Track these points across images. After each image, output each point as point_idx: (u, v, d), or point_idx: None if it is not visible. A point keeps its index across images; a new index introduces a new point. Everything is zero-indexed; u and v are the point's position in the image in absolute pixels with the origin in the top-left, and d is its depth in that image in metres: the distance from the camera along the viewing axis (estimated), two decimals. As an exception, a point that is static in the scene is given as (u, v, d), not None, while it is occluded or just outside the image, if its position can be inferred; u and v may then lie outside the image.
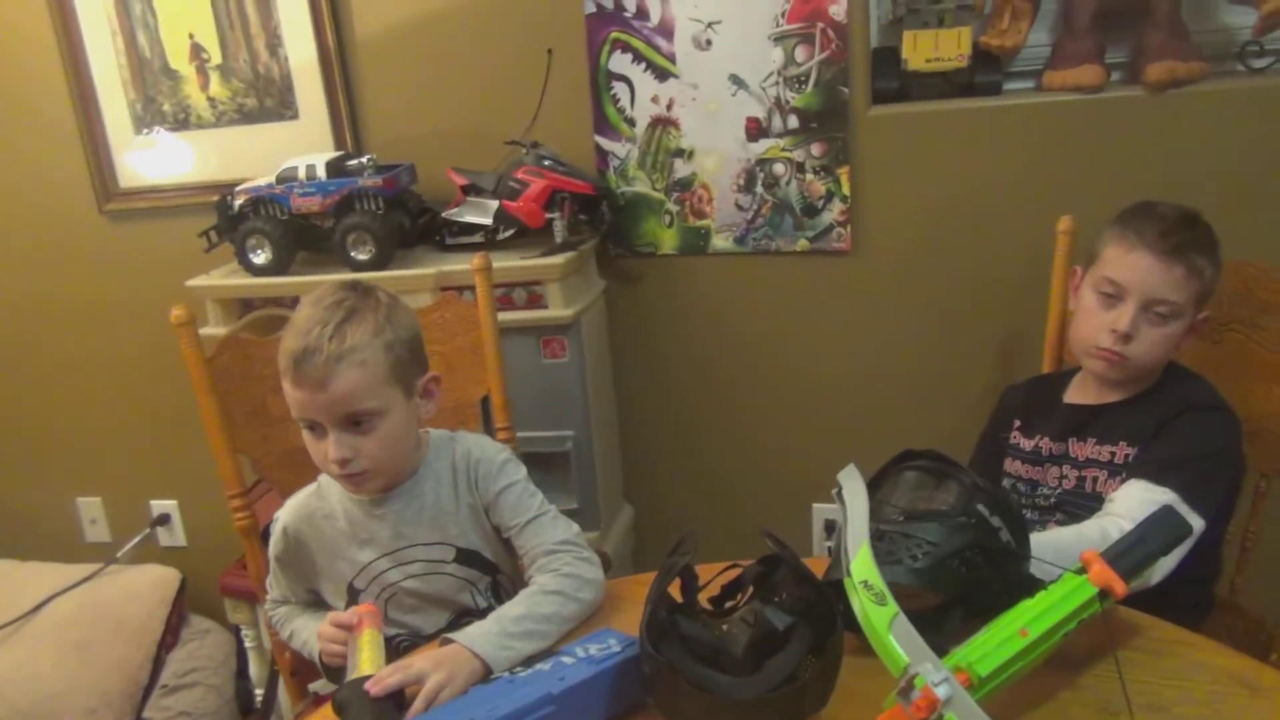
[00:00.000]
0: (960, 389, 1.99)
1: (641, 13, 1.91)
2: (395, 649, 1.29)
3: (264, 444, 1.57)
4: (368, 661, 1.08)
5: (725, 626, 1.03)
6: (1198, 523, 1.25)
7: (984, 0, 1.83)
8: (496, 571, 1.32)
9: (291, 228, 1.96)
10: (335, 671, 1.27)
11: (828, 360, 2.04)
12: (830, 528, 2.13)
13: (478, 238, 1.99)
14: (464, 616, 1.30)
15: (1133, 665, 1.01)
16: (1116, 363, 1.37)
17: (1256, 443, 1.40)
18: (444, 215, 1.99)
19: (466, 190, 1.98)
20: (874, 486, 1.14)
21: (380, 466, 1.23)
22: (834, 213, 1.93)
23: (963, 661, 0.87)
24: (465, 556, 1.29)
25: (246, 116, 2.17)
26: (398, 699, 1.00)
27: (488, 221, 1.95)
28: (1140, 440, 1.36)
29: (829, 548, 2.13)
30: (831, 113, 1.88)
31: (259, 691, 2.07)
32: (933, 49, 1.82)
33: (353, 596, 1.31)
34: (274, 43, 2.10)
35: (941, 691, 0.81)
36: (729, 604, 1.08)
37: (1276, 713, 0.95)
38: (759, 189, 1.96)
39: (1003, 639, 0.90)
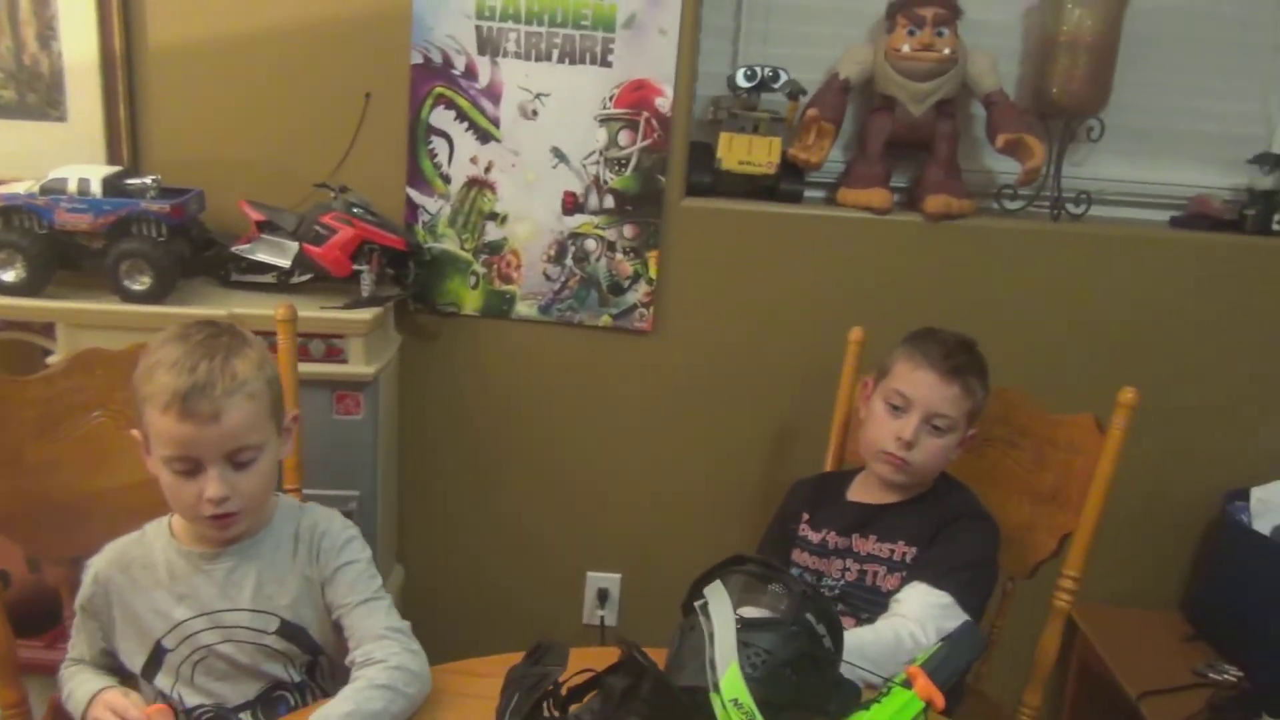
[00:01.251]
0: (746, 476, 2.11)
1: (470, 73, 1.89)
2: None
3: (18, 498, 1.39)
4: None
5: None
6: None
7: (794, 116, 1.97)
8: (319, 653, 1.25)
9: (52, 244, 1.74)
10: None
11: (619, 436, 2.09)
12: (603, 597, 2.17)
13: (268, 278, 1.87)
14: (276, 690, 1.24)
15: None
16: (900, 467, 1.52)
17: (1007, 548, 1.58)
18: (234, 250, 1.86)
19: (262, 227, 1.86)
20: (700, 585, 1.19)
21: (252, 506, 1.19)
22: (639, 293, 1.99)
23: (815, 776, 0.93)
24: (289, 631, 1.22)
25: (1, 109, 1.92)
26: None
27: (285, 264, 1.84)
28: (917, 541, 1.51)
29: (601, 616, 2.17)
30: (647, 198, 1.95)
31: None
32: (746, 152, 1.94)
33: (157, 658, 1.21)
34: (47, 34, 1.87)
35: (807, 812, 0.86)
36: (572, 706, 1.08)
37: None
38: (569, 262, 1.98)
39: (849, 753, 0.97)
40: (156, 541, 1.24)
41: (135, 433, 1.20)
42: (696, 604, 1.04)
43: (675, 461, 2.11)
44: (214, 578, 1.21)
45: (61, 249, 1.75)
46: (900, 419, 1.52)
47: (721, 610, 1.00)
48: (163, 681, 1.23)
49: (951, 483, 1.59)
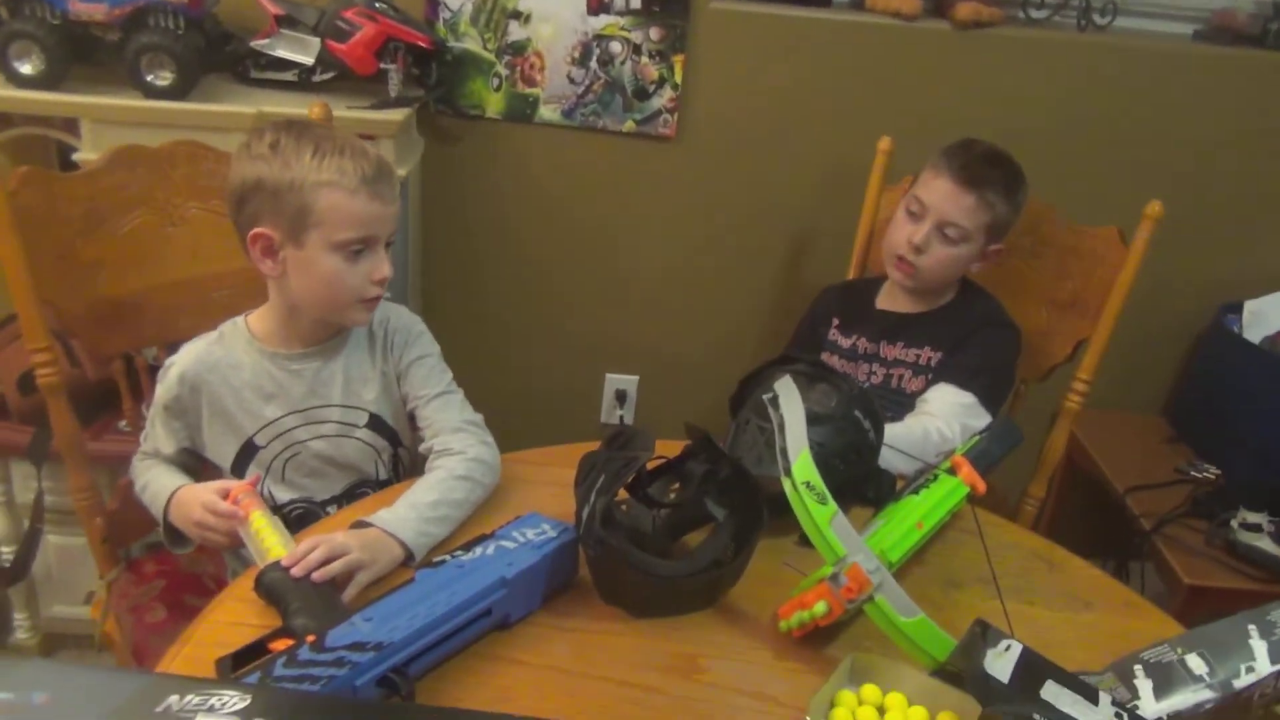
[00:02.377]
0: (765, 283, 2.15)
1: None
2: (286, 519, 1.27)
3: (72, 294, 1.40)
4: (276, 545, 1.05)
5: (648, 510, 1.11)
6: (987, 422, 1.50)
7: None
8: (399, 444, 1.31)
9: (66, 36, 1.68)
10: (174, 535, 1.24)
11: (640, 241, 2.12)
12: (621, 397, 2.25)
13: (289, 75, 1.83)
14: (361, 486, 1.30)
15: (959, 544, 1.21)
16: (909, 272, 1.58)
17: (1023, 353, 1.66)
18: (253, 45, 1.80)
19: (281, 21, 1.80)
20: (751, 385, 1.26)
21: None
22: (664, 98, 1.98)
23: (876, 550, 1.02)
24: (376, 423, 1.28)
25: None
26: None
27: (307, 60, 1.79)
28: (943, 347, 1.58)
29: (620, 415, 2.26)
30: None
31: (7, 549, 1.88)
32: (776, -47, 1.89)
33: (248, 454, 1.26)
34: None
35: (875, 578, 0.95)
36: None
37: (1068, 582, 1.19)
38: (593, 65, 1.95)
39: (904, 531, 1.06)
40: (237, 343, 1.26)
41: (262, 230, 1.17)
42: (765, 397, 1.10)
43: (695, 267, 2.15)
44: (303, 377, 1.25)
45: (77, 41, 1.70)
46: (914, 224, 1.56)
47: (792, 401, 1.06)
48: (252, 477, 1.27)
49: (977, 291, 1.65)
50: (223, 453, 1.28)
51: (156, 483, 1.26)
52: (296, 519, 1.29)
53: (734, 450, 1.18)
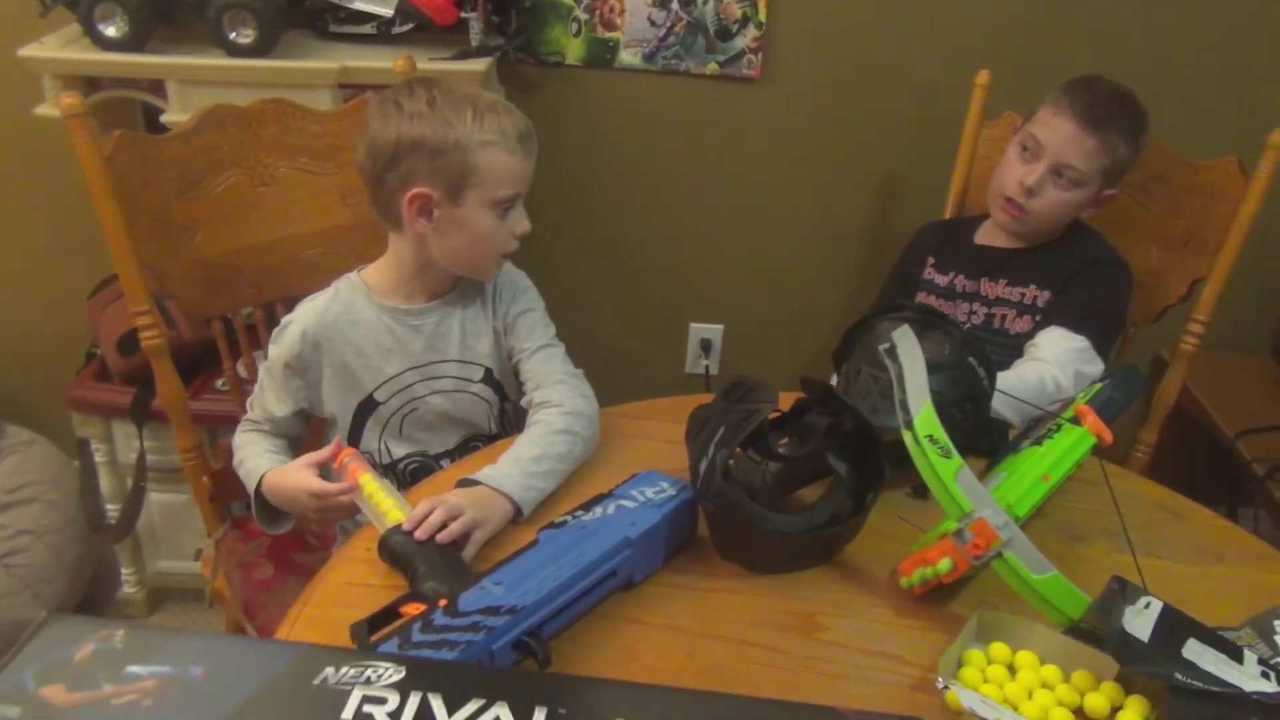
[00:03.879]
0: (853, 229, 2.10)
1: None
2: (402, 474, 1.29)
3: (170, 256, 1.41)
4: (393, 508, 1.05)
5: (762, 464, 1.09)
6: (1100, 368, 1.45)
7: None
8: (506, 398, 1.31)
9: (150, -4, 1.68)
10: (266, 511, 1.24)
11: (724, 187, 2.07)
12: (706, 347, 2.23)
13: (368, 29, 1.81)
14: (473, 440, 1.30)
15: (1082, 496, 1.17)
16: (1017, 216, 1.51)
17: (1133, 294, 1.59)
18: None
19: (358, -27, 1.78)
20: (857, 336, 1.22)
21: None
22: (747, 38, 1.92)
23: (1002, 504, 0.99)
24: (492, 379, 1.28)
25: None
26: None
27: (386, 12, 1.77)
28: (1050, 285, 1.52)
29: (705, 365, 2.23)
30: (759, -68, 1.83)
31: (112, 507, 1.94)
32: (866, -122, 1.80)
33: (367, 410, 1.26)
34: None
35: (1004, 534, 0.91)
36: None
37: (1195, 534, 1.15)
38: (674, 6, 1.89)
39: (1031, 483, 1.02)
40: (355, 298, 1.25)
41: (420, 190, 1.16)
42: (882, 348, 1.06)
43: (781, 212, 2.09)
44: (421, 332, 1.25)
45: (160, 2, 1.69)
46: (1028, 164, 1.50)
47: (911, 351, 1.02)
48: (369, 438, 1.28)
49: (1084, 228, 1.58)
50: (343, 409, 1.28)
51: (249, 462, 1.26)
52: (412, 473, 1.30)
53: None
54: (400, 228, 1.21)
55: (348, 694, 0.51)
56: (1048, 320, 1.48)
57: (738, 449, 1.10)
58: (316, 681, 0.51)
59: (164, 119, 1.69)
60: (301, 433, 1.32)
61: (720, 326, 2.21)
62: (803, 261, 2.13)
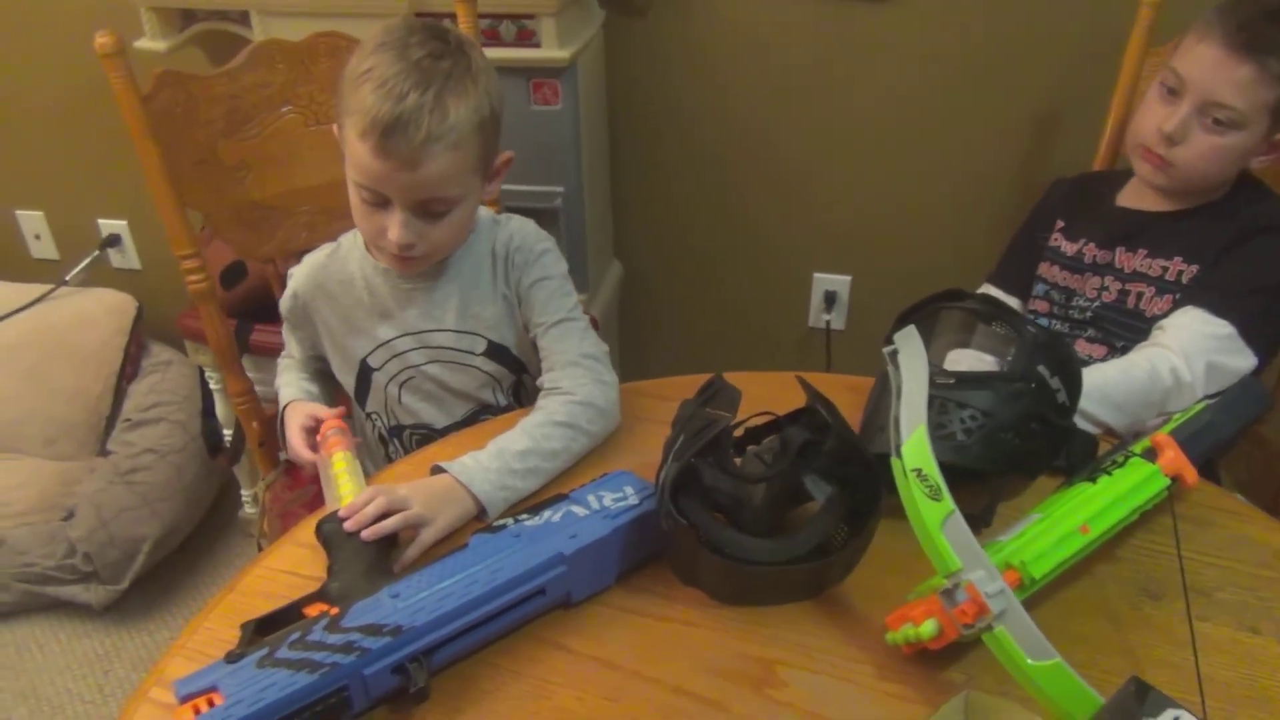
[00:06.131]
0: (998, 172, 1.82)
1: None
2: (406, 444, 1.23)
3: (217, 198, 1.39)
4: (350, 491, 0.98)
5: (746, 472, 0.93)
6: (1250, 361, 1.16)
7: None
8: (523, 371, 1.21)
9: (236, -74, 1.65)
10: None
11: (851, 121, 1.84)
12: (830, 300, 2.02)
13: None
14: (482, 413, 1.21)
15: (1173, 536, 0.93)
16: (1159, 167, 1.23)
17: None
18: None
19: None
20: (906, 320, 1.02)
21: (438, 254, 1.12)
22: (877, -50, 1.66)
23: (1014, 559, 0.79)
24: (495, 351, 1.18)
25: None
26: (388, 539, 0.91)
27: (474, -67, 1.65)
28: (1199, 258, 1.23)
29: (827, 321, 2.04)
30: None
31: (228, 432, 2.01)
32: None
33: (365, 374, 1.21)
34: None
35: (995, 605, 0.73)
36: (749, 448, 0.97)
37: (1322, 605, 0.89)
38: (793, -87, 1.67)
39: (1060, 535, 0.81)
40: (352, 256, 1.18)
41: (335, 129, 1.10)
42: (885, 350, 0.87)
43: (914, 153, 1.85)
44: (414, 298, 1.16)
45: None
46: (1169, 106, 1.21)
47: (914, 360, 0.83)
48: (373, 402, 1.23)
49: (1258, 189, 1.27)
50: (343, 372, 1.23)
51: (283, 391, 1.25)
52: (418, 443, 1.23)
53: (874, 416, 0.97)
54: None
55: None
56: (1187, 299, 1.20)
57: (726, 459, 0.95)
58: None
59: (248, 51, 1.66)
60: (329, 372, 1.28)
61: (848, 278, 2.00)
62: (940, 208, 1.88)
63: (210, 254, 1.90)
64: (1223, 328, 1.16)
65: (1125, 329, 1.27)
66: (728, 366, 1.10)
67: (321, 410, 1.15)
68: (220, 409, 2.00)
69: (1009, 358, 0.95)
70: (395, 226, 1.04)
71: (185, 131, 1.33)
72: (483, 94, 1.03)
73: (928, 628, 0.76)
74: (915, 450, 0.77)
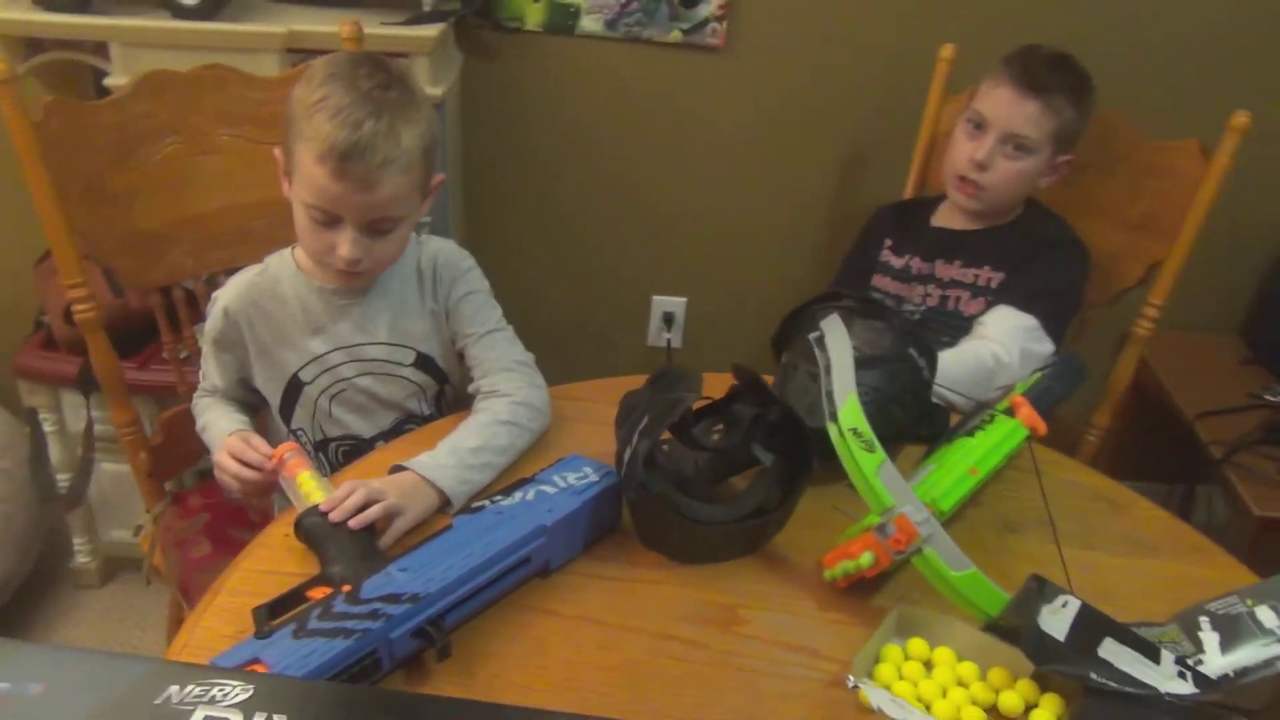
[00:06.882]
0: (819, 202, 2.06)
1: None
2: (333, 457, 1.27)
3: (105, 225, 1.38)
4: (316, 490, 1.03)
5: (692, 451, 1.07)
6: (1050, 348, 1.43)
7: None
8: (445, 381, 1.28)
9: (92, -45, 1.64)
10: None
11: (687, 158, 2.04)
12: (668, 320, 2.20)
13: (320, -10, 1.76)
14: (407, 422, 1.28)
15: (1017, 485, 1.16)
16: (973, 194, 1.49)
17: (1092, 276, 1.57)
18: (282, -41, 1.74)
19: (310, -67, 1.73)
20: (795, 323, 1.19)
21: (381, 267, 1.18)
22: (712, 5, 1.87)
23: (927, 498, 0.97)
24: (423, 362, 1.25)
25: None
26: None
27: (339, -26, 1.72)
28: (1004, 266, 1.50)
29: (667, 339, 2.21)
30: (723, -103, 1.79)
31: (63, 477, 1.92)
32: None
33: (295, 391, 1.24)
34: None
35: (924, 530, 0.90)
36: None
37: (1131, 526, 1.13)
38: (637, -30, 1.85)
39: (957, 477, 1.01)
40: (283, 274, 1.23)
41: (276, 152, 1.15)
42: (811, 337, 1.04)
43: (745, 184, 2.06)
44: (348, 313, 1.21)
45: (102, -40, 1.65)
46: (975, 140, 1.48)
47: (839, 341, 1.00)
48: (300, 417, 1.26)
49: (1042, 210, 1.56)
50: (270, 388, 1.26)
51: (214, 426, 1.25)
52: (344, 454, 1.28)
53: (783, 397, 1.13)
54: None
55: (190, 714, 0.49)
56: (998, 299, 1.47)
57: (671, 435, 1.08)
58: (159, 700, 0.50)
59: (107, 82, 1.65)
60: (254, 399, 1.30)
61: (684, 299, 2.19)
62: (768, 234, 2.10)
63: (51, 290, 1.85)
64: (1029, 320, 1.42)
65: (948, 328, 1.51)
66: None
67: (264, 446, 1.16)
68: (56, 453, 1.91)
69: (887, 343, 1.14)
70: (346, 244, 1.11)
71: (74, 159, 1.33)
72: (426, 121, 1.13)
73: (866, 558, 0.93)
74: (850, 413, 0.94)
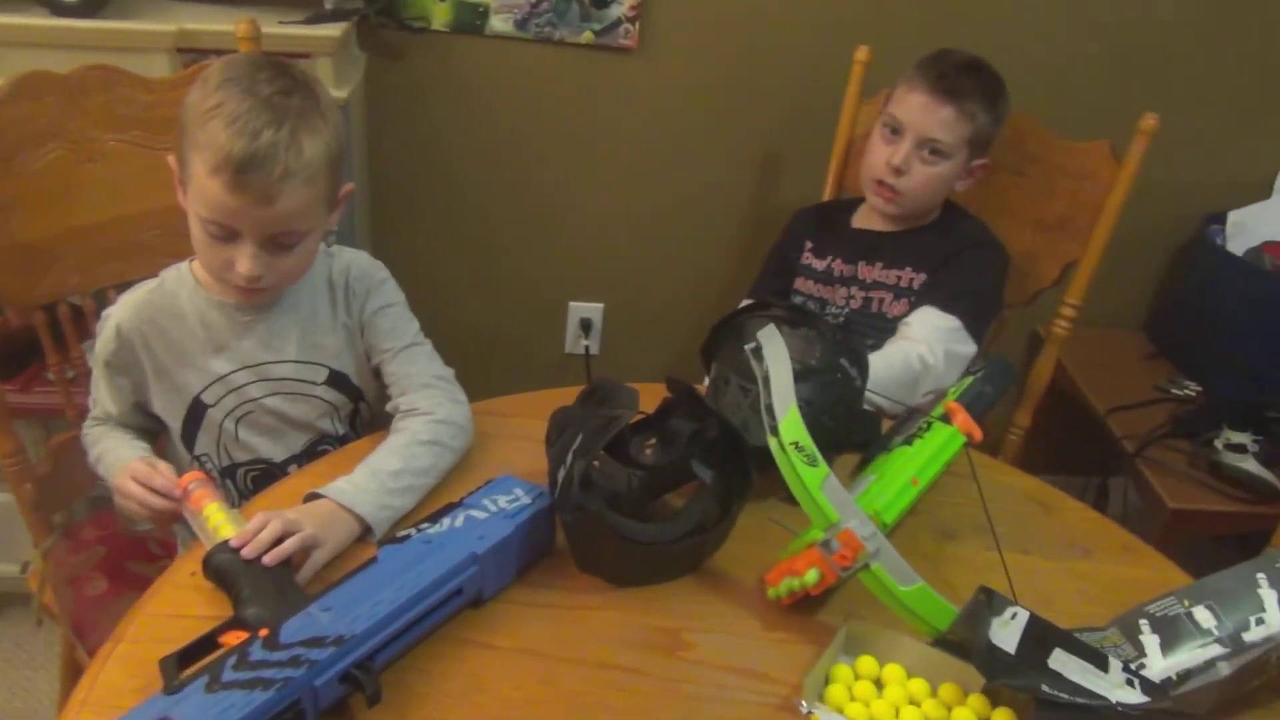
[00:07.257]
0: (735, 205, 2.05)
1: None
2: (242, 482, 1.19)
3: (-20, 239, 1.27)
4: (225, 523, 0.96)
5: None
6: (973, 349, 1.44)
7: None
8: (360, 399, 1.21)
9: (-42, -54, 1.52)
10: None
11: (600, 161, 2.00)
12: (586, 326, 2.16)
13: (213, -14, 1.67)
14: (321, 443, 1.20)
15: (953, 490, 1.15)
16: (890, 199, 1.49)
17: (1009, 277, 1.58)
18: (170, -46, 1.64)
19: (199, -74, 1.63)
20: (724, 333, 1.16)
21: (286, 283, 1.11)
22: (624, 6, 1.83)
23: (870, 510, 0.95)
24: (336, 379, 1.18)
25: None
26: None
27: (232, -30, 1.63)
28: (926, 267, 1.50)
29: (585, 346, 2.17)
30: (634, -105, 1.75)
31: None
32: None
33: (197, 414, 1.15)
34: None
35: (870, 545, 0.88)
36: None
37: (1063, 527, 1.14)
38: (547, -31, 1.80)
39: (899, 488, 0.99)
40: (181, 290, 1.14)
41: (171, 159, 1.07)
42: (748, 348, 1.01)
43: (661, 188, 2.03)
44: (252, 329, 1.14)
45: (-31, -48, 1.53)
46: (892, 145, 1.48)
47: (777, 353, 0.98)
48: (204, 442, 1.17)
49: (961, 211, 1.57)
50: (170, 412, 1.17)
51: (111, 455, 1.15)
52: (253, 480, 1.20)
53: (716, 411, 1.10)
54: None
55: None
56: (921, 301, 1.47)
57: (603, 452, 1.04)
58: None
59: (-22, 84, 1.52)
60: (153, 428, 1.21)
61: (600, 305, 2.15)
62: (685, 238, 2.08)
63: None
64: (952, 321, 1.42)
65: (872, 329, 1.51)
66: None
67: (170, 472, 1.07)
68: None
69: (818, 354, 1.11)
70: (245, 260, 1.04)
71: (-57, 167, 1.22)
72: (332, 129, 1.06)
73: (811, 576, 0.90)
74: (791, 427, 0.91)
